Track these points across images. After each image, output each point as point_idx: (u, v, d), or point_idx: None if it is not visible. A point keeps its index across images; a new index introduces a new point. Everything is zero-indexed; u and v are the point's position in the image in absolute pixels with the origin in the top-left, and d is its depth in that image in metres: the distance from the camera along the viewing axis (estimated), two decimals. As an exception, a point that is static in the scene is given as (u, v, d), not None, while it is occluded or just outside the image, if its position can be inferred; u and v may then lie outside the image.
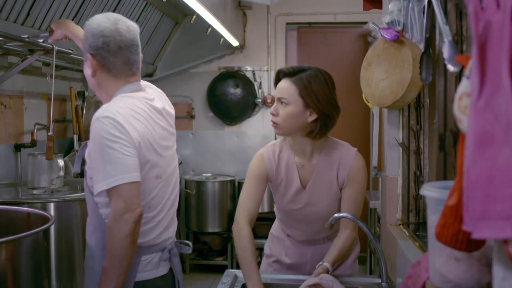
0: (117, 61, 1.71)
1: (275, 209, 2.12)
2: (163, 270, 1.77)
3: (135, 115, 1.65)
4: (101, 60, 1.71)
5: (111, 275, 1.57)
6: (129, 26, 1.75)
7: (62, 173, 2.77)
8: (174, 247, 1.82)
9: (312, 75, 1.86)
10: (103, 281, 1.59)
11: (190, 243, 1.91)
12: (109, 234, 1.58)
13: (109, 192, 1.58)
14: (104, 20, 1.72)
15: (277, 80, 1.92)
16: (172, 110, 1.89)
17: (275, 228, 2.17)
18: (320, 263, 1.84)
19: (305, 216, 1.99)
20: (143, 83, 1.85)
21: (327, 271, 1.79)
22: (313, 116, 1.85)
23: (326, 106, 1.86)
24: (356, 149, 1.99)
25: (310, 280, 1.74)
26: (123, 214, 1.55)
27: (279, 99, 1.88)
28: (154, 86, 1.93)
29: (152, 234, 1.73)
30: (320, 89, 1.85)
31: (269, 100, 5.04)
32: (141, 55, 1.82)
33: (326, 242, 2.07)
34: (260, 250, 2.61)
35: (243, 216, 1.91)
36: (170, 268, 1.82)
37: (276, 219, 2.18)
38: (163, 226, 1.77)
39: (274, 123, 1.91)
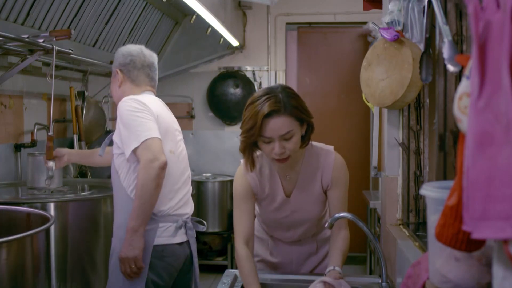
0: (140, 74, 2.22)
1: (256, 212, 2.09)
2: (179, 239, 2.14)
3: (156, 102, 2.16)
4: (126, 73, 2.22)
5: (139, 212, 1.98)
6: (151, 52, 2.30)
7: (51, 173, 2.72)
8: (189, 221, 2.21)
9: (289, 94, 1.77)
10: (133, 217, 1.99)
11: (205, 222, 2.28)
12: (139, 179, 1.98)
13: (138, 149, 1.98)
14: (131, 45, 2.28)
15: (261, 120, 1.71)
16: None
17: (257, 228, 2.14)
18: (331, 267, 1.81)
19: (291, 222, 1.99)
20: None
21: (339, 275, 1.78)
22: (304, 128, 1.83)
23: (308, 111, 1.82)
24: (332, 147, 1.97)
25: (326, 278, 1.73)
26: (151, 162, 1.96)
27: (282, 137, 1.73)
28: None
29: (168, 204, 2.12)
30: (299, 100, 1.80)
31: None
32: (157, 79, 2.31)
33: (311, 239, 2.08)
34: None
35: (239, 239, 1.90)
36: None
37: (256, 220, 2.16)
38: (178, 199, 2.17)
39: (283, 159, 1.78)
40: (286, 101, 1.73)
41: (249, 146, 1.83)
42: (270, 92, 1.75)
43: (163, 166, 1.99)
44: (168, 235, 2.11)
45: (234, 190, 1.96)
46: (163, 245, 2.09)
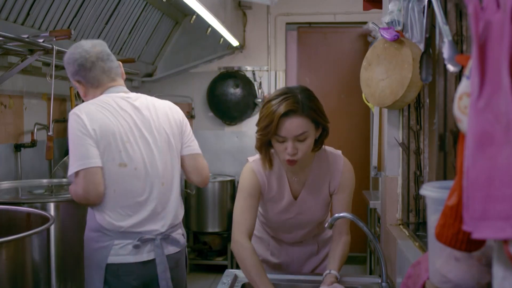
0: (95, 73, 1.99)
1: (258, 213, 2.08)
2: (140, 258, 1.93)
3: (100, 108, 1.92)
4: (84, 80, 2.01)
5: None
6: (93, 42, 2.03)
7: None
8: (158, 239, 1.95)
9: (308, 96, 1.76)
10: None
11: (181, 239, 2.05)
12: (71, 194, 1.94)
13: (74, 176, 1.88)
14: (71, 50, 2.03)
15: (277, 120, 1.71)
16: (168, 115, 2.07)
17: (257, 228, 2.13)
18: (327, 271, 1.82)
19: (295, 224, 1.99)
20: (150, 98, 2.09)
21: (336, 279, 1.79)
22: (319, 131, 1.82)
23: (325, 115, 1.81)
24: (340, 152, 1.97)
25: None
26: (80, 197, 1.87)
27: (297, 137, 1.73)
28: (161, 101, 2.12)
29: (126, 221, 1.92)
30: (318, 103, 1.79)
31: (269, 100, 5.04)
32: (117, 62, 2.07)
33: (312, 240, 2.08)
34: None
35: (241, 233, 1.85)
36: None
37: (257, 221, 2.14)
38: (143, 216, 1.94)
39: (292, 161, 1.77)
40: (305, 102, 1.72)
41: (265, 144, 1.82)
42: (289, 92, 1.74)
43: (90, 204, 1.91)
44: (125, 253, 1.92)
45: (240, 185, 1.92)
46: (118, 264, 1.91)
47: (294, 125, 1.71)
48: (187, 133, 2.13)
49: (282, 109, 1.70)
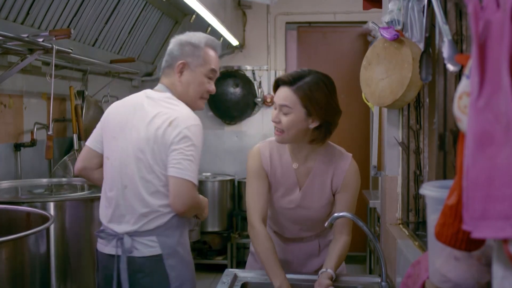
0: None
1: None
2: (104, 249, 1.96)
3: (122, 102, 2.05)
4: None
5: None
6: (181, 38, 2.11)
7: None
8: (118, 241, 1.89)
9: (312, 82, 1.83)
10: None
11: (143, 248, 1.88)
12: None
13: None
14: None
15: (276, 87, 1.90)
16: (163, 129, 1.89)
17: None
18: (324, 270, 1.82)
19: (295, 216, 1.99)
20: (172, 103, 2.00)
21: (331, 278, 1.79)
22: (316, 123, 1.84)
23: (328, 112, 1.85)
24: (351, 155, 1.98)
25: None
26: None
27: (280, 108, 1.85)
28: (181, 107, 2.03)
29: (104, 211, 1.99)
30: (322, 97, 1.82)
31: (268, 100, 5.04)
32: (171, 62, 2.06)
33: (313, 240, 2.07)
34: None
35: (255, 217, 1.91)
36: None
37: None
38: (109, 212, 1.94)
39: (278, 131, 1.87)
40: (303, 83, 1.82)
41: None
42: (299, 70, 1.89)
43: (76, 174, 2.13)
44: (100, 241, 2.00)
45: (248, 168, 2.01)
46: (96, 249, 2.03)
47: (280, 94, 1.85)
48: (174, 154, 1.87)
49: (278, 78, 1.89)
